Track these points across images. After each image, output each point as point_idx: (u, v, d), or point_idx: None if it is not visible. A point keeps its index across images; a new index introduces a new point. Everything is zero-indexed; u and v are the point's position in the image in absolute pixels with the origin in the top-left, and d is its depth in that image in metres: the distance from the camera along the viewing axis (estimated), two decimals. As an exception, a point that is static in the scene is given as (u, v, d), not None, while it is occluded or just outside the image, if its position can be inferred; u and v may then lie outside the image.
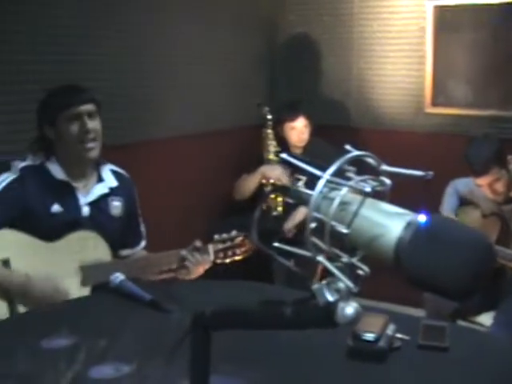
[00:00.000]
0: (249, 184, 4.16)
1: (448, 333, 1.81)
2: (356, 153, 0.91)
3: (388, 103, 4.58)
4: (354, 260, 0.91)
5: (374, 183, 0.91)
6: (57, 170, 2.49)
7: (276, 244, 0.97)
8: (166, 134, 3.97)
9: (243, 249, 2.63)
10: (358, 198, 0.90)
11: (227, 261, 2.63)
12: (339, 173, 0.94)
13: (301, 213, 3.97)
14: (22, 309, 2.34)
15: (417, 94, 4.46)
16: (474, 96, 4.30)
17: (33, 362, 1.69)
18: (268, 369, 1.66)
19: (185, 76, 4.06)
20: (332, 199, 0.91)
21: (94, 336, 1.81)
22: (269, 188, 4.12)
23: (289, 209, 4.04)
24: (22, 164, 2.47)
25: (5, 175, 2.43)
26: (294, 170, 3.60)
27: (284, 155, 0.97)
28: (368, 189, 0.87)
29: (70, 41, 3.24)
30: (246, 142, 4.56)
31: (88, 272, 2.44)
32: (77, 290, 2.41)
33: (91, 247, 2.47)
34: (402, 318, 1.96)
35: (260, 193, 4.15)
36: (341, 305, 0.92)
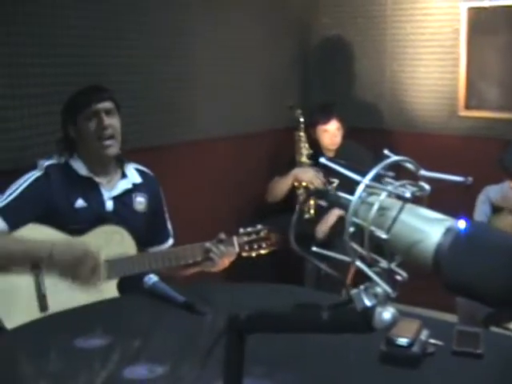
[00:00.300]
0: (281, 186, 4.16)
1: (482, 339, 1.79)
2: (395, 158, 0.91)
3: (421, 106, 4.55)
4: (393, 265, 0.90)
5: (414, 188, 0.90)
6: (80, 167, 2.55)
7: (314, 248, 0.97)
8: (198, 136, 3.98)
9: (269, 242, 2.67)
10: (397, 203, 0.90)
11: (253, 254, 2.66)
12: (376, 177, 0.93)
13: (333, 215, 3.96)
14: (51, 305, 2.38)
15: (450, 96, 4.42)
16: (507, 99, 4.25)
17: (67, 362, 1.70)
18: (300, 372, 1.66)
19: (218, 78, 4.07)
20: (370, 204, 0.91)
21: (127, 337, 1.83)
22: (301, 190, 4.11)
23: (321, 212, 4.03)
24: (48, 162, 2.53)
25: (31, 173, 2.48)
26: (327, 173, 3.59)
27: (322, 159, 0.97)
28: (408, 194, 0.86)
29: (99, 43, 3.27)
30: (278, 144, 4.57)
31: (114, 265, 2.47)
32: (103, 283, 2.43)
33: (117, 241, 2.50)
34: (435, 323, 1.94)
35: (292, 195, 4.14)
36: (378, 310, 0.92)
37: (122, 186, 2.62)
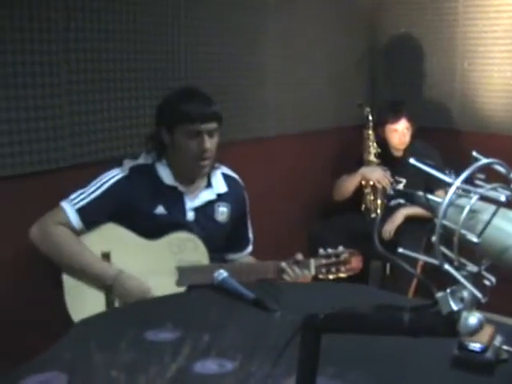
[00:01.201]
0: (348, 185, 4.13)
1: (559, 347, 1.74)
2: (486, 160, 0.89)
3: (493, 106, 4.45)
4: (482, 269, 0.88)
5: (508, 192, 0.88)
6: (166, 174, 2.50)
7: (400, 250, 0.95)
8: (267, 133, 3.99)
9: (348, 266, 2.51)
10: (487, 206, 0.88)
11: (330, 277, 2.51)
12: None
13: (400, 215, 3.90)
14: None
15: (523, 96, 4.32)
16: None
17: (137, 354, 1.72)
18: (371, 373, 1.64)
19: (286, 75, 4.07)
20: (458, 206, 0.89)
21: (197, 331, 1.83)
22: (368, 189, 4.08)
23: (387, 211, 3.99)
24: (133, 163, 2.50)
25: (115, 171, 2.46)
26: (394, 172, 3.50)
27: (412, 160, 0.95)
28: (503, 198, 0.84)
29: (180, 41, 3.31)
30: (346, 142, 4.54)
31: (184, 273, 2.46)
32: (171, 289, 2.42)
33: (190, 249, 2.46)
34: (508, 329, 1.89)
35: (359, 194, 4.11)
36: (464, 314, 0.90)
37: (206, 196, 2.56)
